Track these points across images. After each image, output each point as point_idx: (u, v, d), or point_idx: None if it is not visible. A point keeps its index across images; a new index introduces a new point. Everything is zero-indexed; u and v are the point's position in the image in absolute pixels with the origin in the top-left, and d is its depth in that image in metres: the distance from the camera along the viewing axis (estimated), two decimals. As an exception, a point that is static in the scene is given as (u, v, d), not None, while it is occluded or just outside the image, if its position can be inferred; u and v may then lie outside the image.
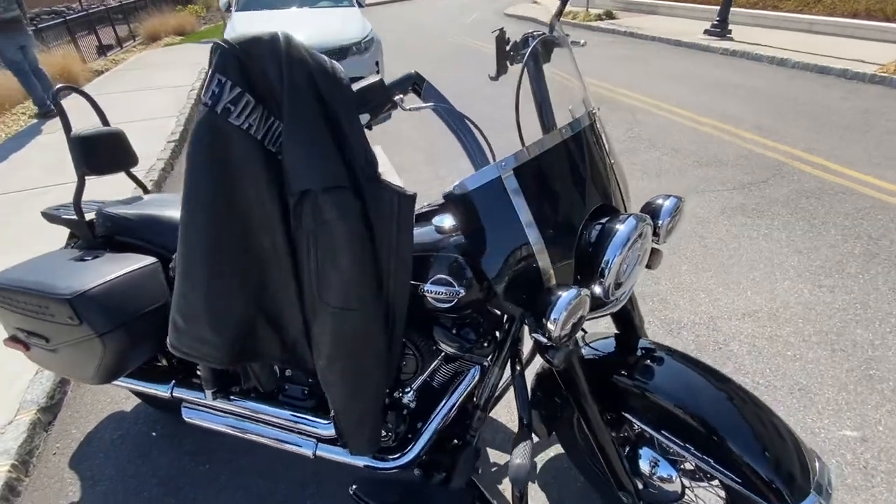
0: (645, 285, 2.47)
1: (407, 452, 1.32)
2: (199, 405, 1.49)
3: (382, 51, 5.91)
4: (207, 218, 0.86)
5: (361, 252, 0.91)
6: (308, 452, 1.37)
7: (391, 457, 1.32)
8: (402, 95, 0.96)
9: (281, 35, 0.82)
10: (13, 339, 1.43)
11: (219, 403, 1.43)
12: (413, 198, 0.95)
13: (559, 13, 1.27)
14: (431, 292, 1.06)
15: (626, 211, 1.12)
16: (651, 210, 1.12)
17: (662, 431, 1.09)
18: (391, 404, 1.35)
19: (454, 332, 1.16)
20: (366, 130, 0.95)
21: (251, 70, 0.80)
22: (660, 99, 5.40)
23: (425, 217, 1.21)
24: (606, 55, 7.71)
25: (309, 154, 0.83)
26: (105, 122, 1.61)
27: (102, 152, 1.52)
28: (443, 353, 1.31)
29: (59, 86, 1.49)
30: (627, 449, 1.28)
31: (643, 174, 3.72)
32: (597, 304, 1.01)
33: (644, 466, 1.22)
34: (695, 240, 2.86)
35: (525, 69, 1.11)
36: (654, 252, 1.20)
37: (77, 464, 1.73)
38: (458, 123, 1.05)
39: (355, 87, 0.91)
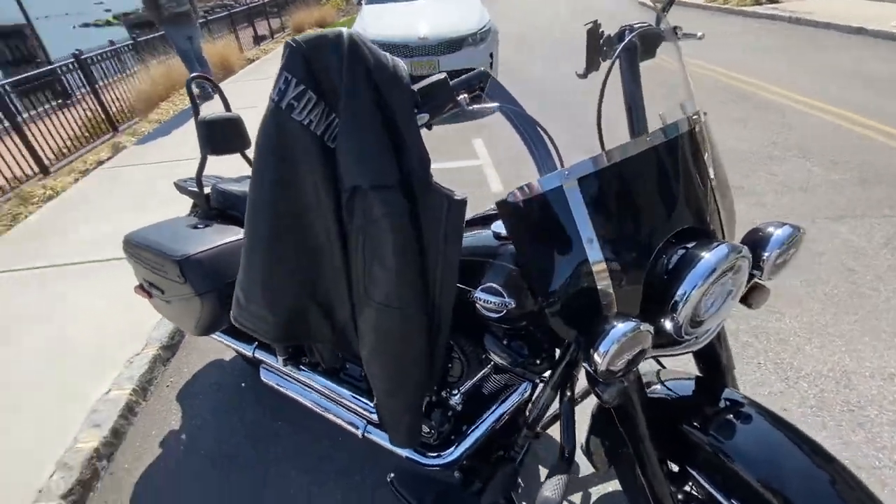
0: (760, 317, 2.11)
1: (449, 453, 1.31)
2: (273, 369, 1.64)
3: (498, 41, 5.82)
4: (269, 206, 0.92)
5: (407, 253, 0.90)
6: (358, 432, 1.43)
7: (433, 454, 1.32)
8: (466, 95, 0.92)
9: (345, 34, 0.82)
10: (140, 288, 1.72)
11: (288, 370, 1.56)
12: (463, 203, 0.90)
13: (668, 4, 1.11)
14: (481, 300, 1.02)
15: (723, 237, 0.95)
16: (755, 239, 0.94)
17: (732, 501, 0.92)
18: (437, 403, 1.34)
19: (505, 343, 1.11)
20: (426, 130, 0.93)
21: (315, 68, 0.82)
22: (820, 98, 4.53)
23: (486, 221, 1.16)
24: (761, 45, 6.68)
25: (361, 151, 0.84)
26: (227, 108, 1.82)
27: (222, 135, 1.72)
28: (493, 363, 1.27)
29: (192, 75, 1.71)
30: (689, 510, 1.12)
31: (783, 188, 3.17)
32: (668, 340, 0.88)
33: None
34: (841, 273, 2.36)
35: (615, 66, 1.00)
36: (758, 288, 1.03)
37: (182, 399, 2.04)
38: (525, 126, 0.98)
39: (418, 85, 0.89)
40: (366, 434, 1.43)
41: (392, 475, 1.35)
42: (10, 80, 4.89)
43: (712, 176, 0.96)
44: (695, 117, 0.94)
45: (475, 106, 0.92)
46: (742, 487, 0.90)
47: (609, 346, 0.77)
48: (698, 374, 1.16)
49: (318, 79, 0.83)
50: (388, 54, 0.87)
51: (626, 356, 0.81)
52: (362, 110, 0.82)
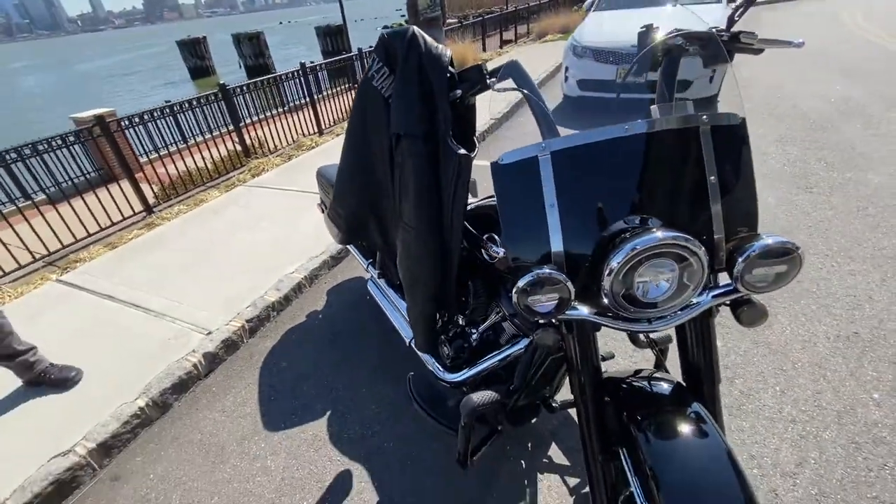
0: None
1: (458, 375, 1.61)
2: (375, 282, 2.21)
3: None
4: (353, 144, 1.40)
5: (423, 189, 1.25)
6: (406, 340, 1.85)
7: (446, 372, 1.65)
8: (495, 78, 1.19)
9: (411, 30, 1.21)
10: (320, 205, 2.50)
11: (379, 281, 2.09)
12: (468, 158, 1.19)
13: (736, 14, 1.15)
14: (483, 244, 1.29)
15: (706, 236, 0.96)
16: (739, 247, 0.94)
17: (642, 498, 0.95)
18: (457, 335, 1.65)
19: (505, 292, 1.34)
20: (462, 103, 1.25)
21: (390, 52, 1.24)
22: None
23: None
24: None
25: (401, 106, 1.22)
26: None
27: None
28: (503, 311, 1.50)
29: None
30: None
31: None
32: (616, 314, 0.97)
33: None
34: None
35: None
36: (749, 305, 1.01)
37: (329, 293, 2.84)
38: (537, 107, 1.20)
39: (459, 70, 1.22)
40: (410, 344, 1.84)
41: (411, 374, 1.73)
42: (324, 61, 6.79)
43: (712, 178, 0.99)
44: (704, 118, 1.00)
45: (501, 86, 1.19)
46: (650, 488, 0.92)
47: (523, 282, 0.96)
48: (681, 381, 1.16)
49: (391, 58, 1.25)
50: (441, 46, 1.22)
51: (545, 300, 0.98)
52: (409, 80, 1.20)
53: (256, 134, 5.38)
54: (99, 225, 3.83)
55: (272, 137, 5.47)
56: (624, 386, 1.14)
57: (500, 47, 12.17)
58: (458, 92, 1.22)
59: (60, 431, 1.91)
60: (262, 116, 5.59)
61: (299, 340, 2.49)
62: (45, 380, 2.12)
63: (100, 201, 3.85)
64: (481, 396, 1.21)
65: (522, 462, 1.72)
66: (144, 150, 4.48)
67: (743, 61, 7.34)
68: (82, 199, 3.75)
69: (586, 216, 0.98)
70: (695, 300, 0.99)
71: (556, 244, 0.99)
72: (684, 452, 0.93)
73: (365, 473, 1.75)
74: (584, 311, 1.01)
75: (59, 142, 3.72)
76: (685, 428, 0.96)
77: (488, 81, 1.20)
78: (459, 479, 1.68)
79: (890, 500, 1.48)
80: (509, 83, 1.19)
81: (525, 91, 1.17)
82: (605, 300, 0.95)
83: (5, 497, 1.66)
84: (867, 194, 3.23)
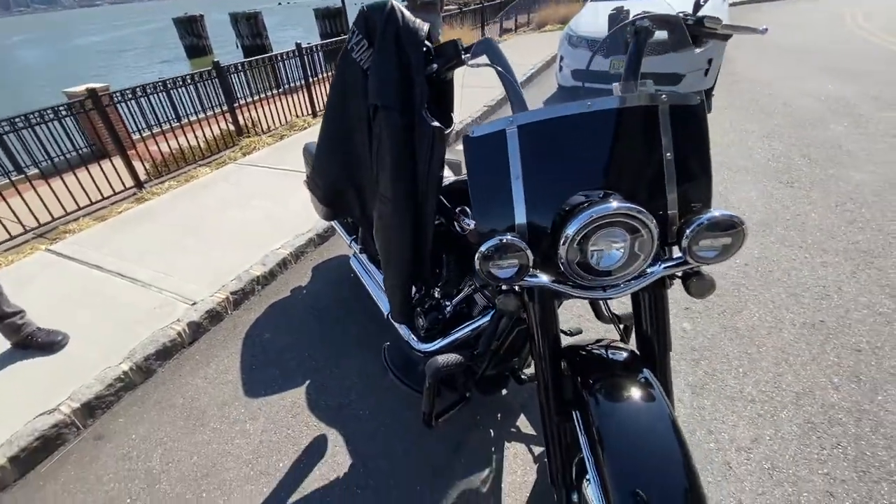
0: None
1: (431, 345, 1.67)
2: (356, 258, 2.26)
3: (725, 46, 5.23)
4: (332, 114, 1.44)
5: (400, 161, 1.30)
6: (385, 312, 1.91)
7: (420, 342, 1.71)
8: (469, 55, 1.23)
9: (389, 4, 1.24)
10: (306, 181, 2.53)
11: (361, 257, 2.14)
12: (442, 130, 1.24)
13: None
14: (455, 217, 1.34)
15: (660, 211, 1.01)
16: (690, 220, 0.99)
17: (588, 454, 1.01)
18: (432, 307, 1.71)
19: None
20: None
21: (369, 24, 1.27)
22: None
23: None
24: None
25: (377, 80, 1.26)
26: None
27: None
28: (475, 284, 1.56)
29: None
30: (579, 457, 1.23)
31: None
32: (571, 281, 1.02)
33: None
34: None
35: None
36: (699, 277, 1.07)
37: (315, 269, 2.89)
38: (509, 83, 1.24)
39: (436, 45, 1.25)
40: (388, 316, 1.89)
41: (387, 344, 1.79)
42: (320, 42, 6.74)
43: (668, 155, 1.04)
44: (664, 98, 1.05)
45: (475, 62, 1.23)
46: (597, 449, 0.98)
47: (484, 247, 1.01)
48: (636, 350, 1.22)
49: (370, 31, 1.28)
50: (418, 21, 1.26)
51: (505, 265, 1.03)
52: (387, 52, 1.24)
53: (251, 114, 5.38)
54: (89, 199, 3.84)
55: (266, 118, 5.47)
56: (582, 353, 1.20)
57: (500, 35, 12.11)
58: (435, 66, 1.26)
59: (46, 392, 1.96)
60: (257, 97, 5.58)
61: (282, 314, 2.54)
62: (33, 343, 2.17)
63: (91, 177, 3.86)
64: (446, 359, 1.27)
65: (491, 431, 1.79)
66: (137, 127, 4.48)
67: (736, 57, 7.37)
68: (74, 174, 3.76)
69: (549, 188, 1.03)
70: (648, 270, 1.05)
71: (520, 214, 1.04)
72: (629, 416, 1.00)
73: (339, 438, 1.81)
74: (544, 278, 1.06)
75: (51, 114, 3.72)
76: (632, 393, 1.02)
77: (463, 57, 1.24)
78: (429, 445, 1.75)
79: (840, 476, 1.56)
80: (483, 59, 1.23)
81: (498, 67, 1.21)
82: (562, 267, 1.01)
83: (-10, 451, 1.72)
84: (847, 190, 3.30)
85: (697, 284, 1.07)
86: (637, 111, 1.03)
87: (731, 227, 0.97)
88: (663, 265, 1.06)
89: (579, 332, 1.75)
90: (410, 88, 1.25)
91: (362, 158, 1.46)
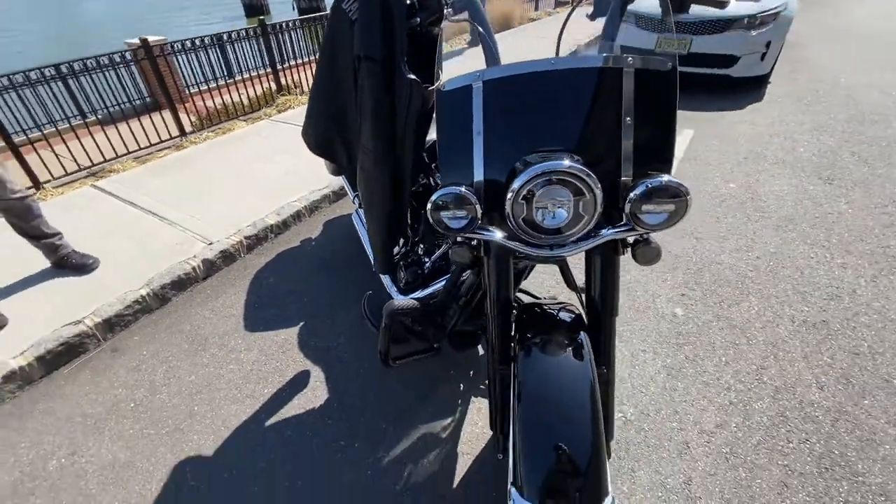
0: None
1: (408, 297, 1.76)
2: (357, 213, 2.35)
3: (788, 30, 4.84)
4: (323, 65, 1.50)
5: (380, 113, 1.35)
6: (374, 265, 2.00)
7: (401, 294, 1.79)
8: (451, 10, 1.25)
9: None
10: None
11: (360, 212, 2.23)
12: (419, 84, 1.28)
13: None
14: (431, 172, 1.39)
15: (612, 175, 1.01)
16: (635, 186, 0.99)
17: (514, 401, 1.06)
18: (413, 262, 1.78)
19: None
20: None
21: None
22: None
23: None
24: None
25: (362, 30, 1.30)
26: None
27: None
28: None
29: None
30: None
31: None
32: (521, 239, 1.04)
33: None
34: None
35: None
36: (645, 244, 1.08)
37: (326, 224, 3.02)
38: (486, 44, 1.25)
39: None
40: (375, 270, 1.99)
41: (369, 293, 1.89)
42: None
43: (627, 120, 1.04)
44: (630, 60, 1.04)
45: (456, 18, 1.25)
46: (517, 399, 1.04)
47: (435, 196, 1.06)
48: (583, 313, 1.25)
49: None
50: None
51: (457, 216, 1.08)
52: (371, 3, 1.28)
53: (294, 76, 5.51)
54: (138, 144, 4.12)
55: (308, 80, 5.59)
56: (535, 311, 1.25)
57: (554, 8, 11.63)
58: (418, 20, 1.29)
59: (74, 306, 2.21)
60: (303, 60, 5.70)
61: (290, 262, 2.69)
62: (67, 263, 2.42)
63: (142, 126, 4.13)
64: (402, 302, 1.34)
65: (461, 385, 1.87)
66: (192, 82, 4.75)
67: (804, 43, 6.78)
68: (127, 124, 4.04)
69: (507, 145, 1.05)
70: (602, 233, 1.05)
71: (478, 169, 1.07)
72: (550, 372, 1.04)
73: (321, 376, 1.95)
74: (496, 234, 1.10)
75: (107, 61, 3.99)
76: (561, 352, 1.06)
77: (445, 11, 1.26)
78: (401, 391, 1.86)
79: (800, 470, 1.55)
80: (463, 15, 1.25)
81: (477, 24, 1.23)
82: (509, 222, 1.04)
83: (23, 349, 1.97)
84: (893, 193, 3.06)
85: (643, 251, 1.08)
86: (602, 73, 1.03)
87: (676, 195, 0.97)
88: (611, 229, 1.07)
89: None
90: (393, 40, 1.28)
91: (350, 110, 1.52)
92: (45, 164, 3.49)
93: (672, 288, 2.34)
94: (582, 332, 1.10)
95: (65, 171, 3.70)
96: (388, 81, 1.31)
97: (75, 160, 3.78)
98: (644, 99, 1.03)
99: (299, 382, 1.93)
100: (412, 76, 1.28)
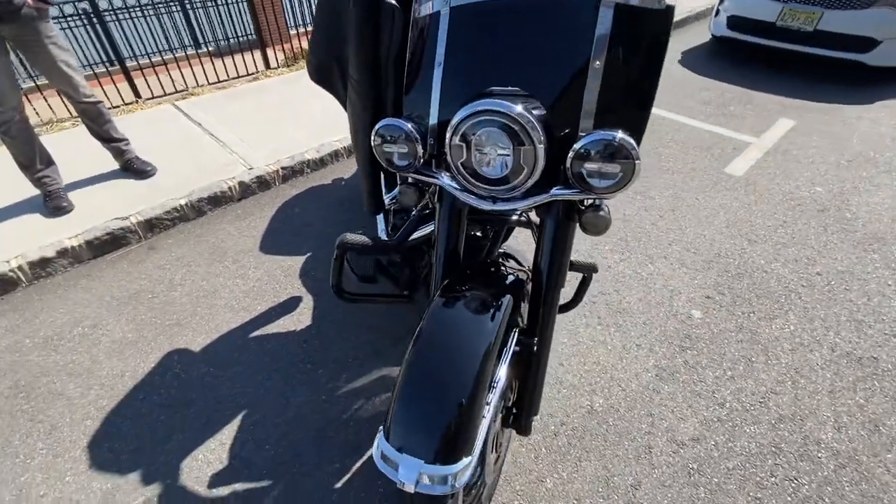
0: None
1: (394, 238, 1.75)
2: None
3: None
4: (324, 2, 1.47)
5: (364, 42, 1.30)
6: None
7: (386, 235, 1.79)
8: None
9: None
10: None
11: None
12: (401, 11, 1.21)
13: None
14: None
15: (581, 122, 0.90)
16: (584, 144, 0.86)
17: None
18: (399, 210, 1.76)
19: None
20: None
21: None
22: None
23: None
24: None
25: None
26: None
27: None
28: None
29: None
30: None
31: None
32: (465, 186, 0.99)
33: None
34: None
35: None
36: (593, 210, 0.98)
37: (344, 172, 3.06)
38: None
39: None
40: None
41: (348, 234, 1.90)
42: None
43: (597, 64, 0.91)
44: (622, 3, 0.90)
45: None
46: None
47: (377, 126, 1.01)
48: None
49: None
50: None
51: (400, 152, 1.03)
52: None
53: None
54: (227, 75, 4.44)
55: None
56: (477, 267, 1.20)
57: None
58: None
59: (125, 205, 2.49)
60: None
61: (318, 197, 2.80)
62: (131, 167, 2.72)
63: (244, 60, 4.42)
64: (354, 237, 1.33)
65: (434, 340, 1.86)
66: (294, 23, 5.11)
67: None
68: (232, 58, 4.35)
69: (465, 81, 0.97)
70: (552, 192, 0.96)
71: (434, 104, 1.00)
72: (453, 326, 0.97)
73: (311, 303, 2.05)
74: (443, 178, 1.05)
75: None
76: (473, 309, 1.00)
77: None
78: (377, 333, 1.90)
79: (775, 507, 1.37)
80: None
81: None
82: (451, 166, 0.98)
83: (77, 233, 2.29)
84: None
85: (591, 218, 0.98)
86: (580, 5, 0.90)
87: (625, 157, 0.85)
88: (557, 189, 0.97)
89: (593, 268, 1.55)
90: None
91: (345, 38, 1.49)
92: (148, 84, 3.90)
93: (698, 288, 2.10)
94: (508, 296, 1.03)
95: (163, 91, 4.10)
96: (373, 8, 1.26)
97: (173, 83, 4.18)
98: (623, 41, 0.89)
99: (289, 305, 2.04)
100: (393, 2, 1.21)
